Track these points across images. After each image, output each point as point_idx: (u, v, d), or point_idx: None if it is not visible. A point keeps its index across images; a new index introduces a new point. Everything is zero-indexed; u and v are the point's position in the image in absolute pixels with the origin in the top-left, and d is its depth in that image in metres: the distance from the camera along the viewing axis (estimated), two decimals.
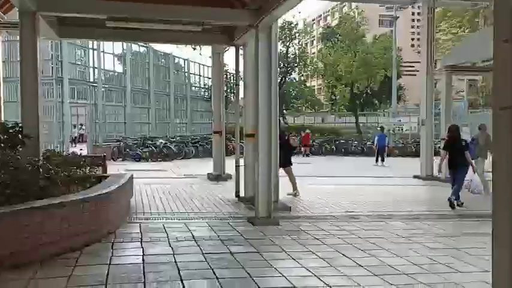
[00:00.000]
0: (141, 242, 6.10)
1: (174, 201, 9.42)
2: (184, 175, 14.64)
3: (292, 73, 44.62)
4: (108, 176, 7.98)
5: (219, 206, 9.00)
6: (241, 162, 9.99)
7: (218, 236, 6.57)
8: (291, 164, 10.60)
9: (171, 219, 7.74)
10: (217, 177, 13.26)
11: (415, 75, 56.83)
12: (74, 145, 28.91)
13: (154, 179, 13.00)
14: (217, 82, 13.64)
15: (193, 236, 6.51)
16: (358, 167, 19.41)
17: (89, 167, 7.68)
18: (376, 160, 20.82)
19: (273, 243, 6.23)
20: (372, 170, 18.17)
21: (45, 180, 6.06)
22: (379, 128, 22.82)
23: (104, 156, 9.07)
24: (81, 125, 29.47)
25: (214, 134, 13.82)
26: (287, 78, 42.06)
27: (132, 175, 8.72)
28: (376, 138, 21.85)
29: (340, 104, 45.02)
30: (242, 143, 10.43)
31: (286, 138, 10.84)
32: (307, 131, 27.61)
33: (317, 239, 6.52)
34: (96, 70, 21.39)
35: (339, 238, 6.59)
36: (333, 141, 29.15)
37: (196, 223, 7.43)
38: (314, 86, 77.62)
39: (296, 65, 41.40)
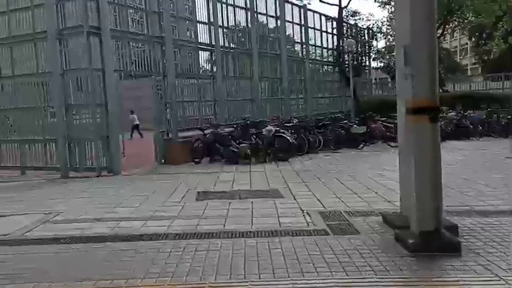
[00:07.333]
0: None
1: None
2: (322, 218, 5.96)
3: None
4: None
5: None
6: None
7: None
8: None
9: None
10: (428, 235, 4.45)
11: None
12: (139, 136, 22.16)
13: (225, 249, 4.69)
14: None
15: None
16: None
17: None
18: None
19: None
20: None
21: None
22: None
23: None
24: (132, 112, 22.41)
25: (411, 117, 4.86)
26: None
27: None
28: None
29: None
30: None
31: None
32: None
33: None
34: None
35: None
36: None
37: None
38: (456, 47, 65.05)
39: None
